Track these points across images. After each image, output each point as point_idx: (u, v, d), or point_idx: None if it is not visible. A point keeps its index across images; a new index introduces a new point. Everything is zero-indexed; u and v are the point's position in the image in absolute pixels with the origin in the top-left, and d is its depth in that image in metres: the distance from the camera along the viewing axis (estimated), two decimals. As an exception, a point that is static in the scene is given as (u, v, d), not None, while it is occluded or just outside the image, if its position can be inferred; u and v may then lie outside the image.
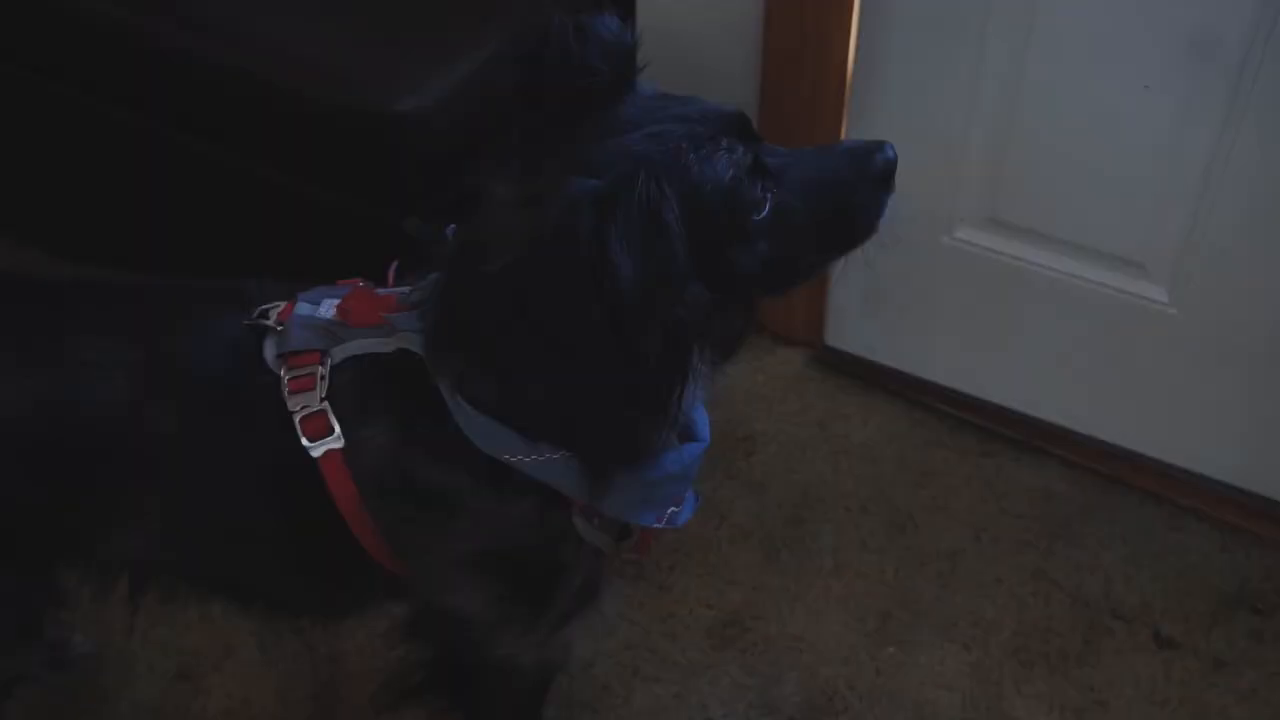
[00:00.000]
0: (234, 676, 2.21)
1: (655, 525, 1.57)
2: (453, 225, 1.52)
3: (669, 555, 2.37)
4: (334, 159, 2.23)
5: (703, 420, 1.60)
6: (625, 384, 1.32)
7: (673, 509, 1.57)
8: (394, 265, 1.62)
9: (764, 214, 1.41)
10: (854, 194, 1.48)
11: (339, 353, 1.54)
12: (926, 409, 2.62)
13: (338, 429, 1.52)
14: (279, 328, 1.56)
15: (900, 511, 2.46)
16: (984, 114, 2.22)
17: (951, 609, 2.31)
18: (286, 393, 1.52)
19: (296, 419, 1.52)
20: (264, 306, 1.58)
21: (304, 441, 1.51)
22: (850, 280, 2.53)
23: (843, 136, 2.38)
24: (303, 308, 1.58)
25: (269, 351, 1.55)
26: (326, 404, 1.52)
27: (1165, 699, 2.19)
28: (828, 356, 2.69)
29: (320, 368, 1.53)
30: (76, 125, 2.52)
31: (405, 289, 1.57)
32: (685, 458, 1.52)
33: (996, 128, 2.23)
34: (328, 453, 1.52)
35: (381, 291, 1.59)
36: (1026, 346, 2.46)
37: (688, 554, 2.38)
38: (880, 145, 1.49)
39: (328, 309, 1.57)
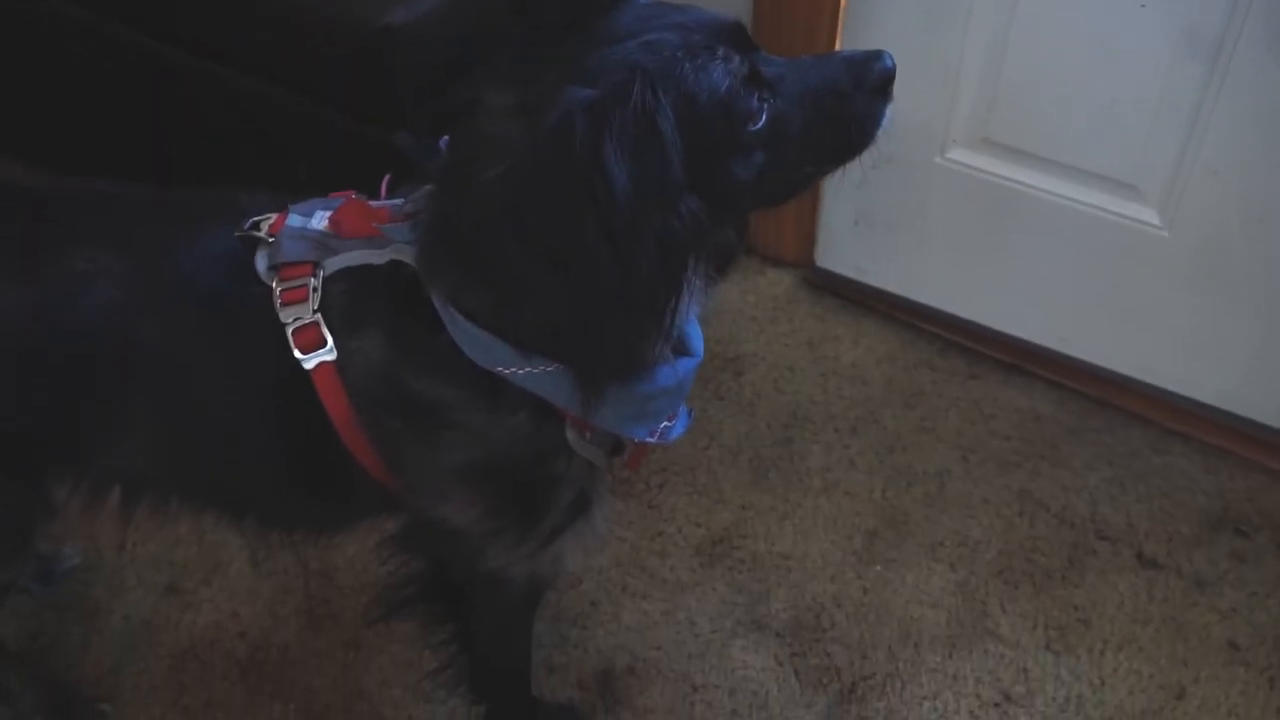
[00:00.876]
0: (224, 590, 2.22)
1: (648, 440, 1.57)
2: (445, 138, 1.50)
3: (658, 474, 2.38)
4: (326, 72, 2.20)
5: (696, 335, 1.59)
6: (618, 295, 1.31)
7: (665, 424, 1.57)
8: (387, 179, 1.61)
9: (760, 124, 1.39)
10: (851, 103, 1.46)
11: (331, 264, 1.53)
12: (916, 330, 2.63)
13: (330, 340, 1.51)
14: (270, 239, 1.55)
15: (888, 432, 2.47)
16: (979, 32, 2.21)
17: (938, 528, 2.33)
18: (279, 304, 1.51)
19: (289, 330, 1.51)
20: (255, 218, 1.57)
21: (296, 353, 1.51)
22: (841, 201, 2.54)
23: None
24: (294, 219, 1.56)
25: (260, 263, 1.54)
26: (319, 316, 1.51)
27: (1148, 618, 2.21)
28: (818, 278, 2.69)
29: (312, 279, 1.52)
30: (63, 38, 2.49)
31: (398, 201, 1.56)
32: (679, 372, 1.52)
33: (991, 46, 2.21)
34: (320, 365, 1.51)
35: (374, 204, 1.58)
36: (1017, 269, 2.46)
37: (677, 473, 2.39)
38: (878, 54, 1.47)
39: (320, 220, 1.56)
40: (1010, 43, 2.20)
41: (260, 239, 1.55)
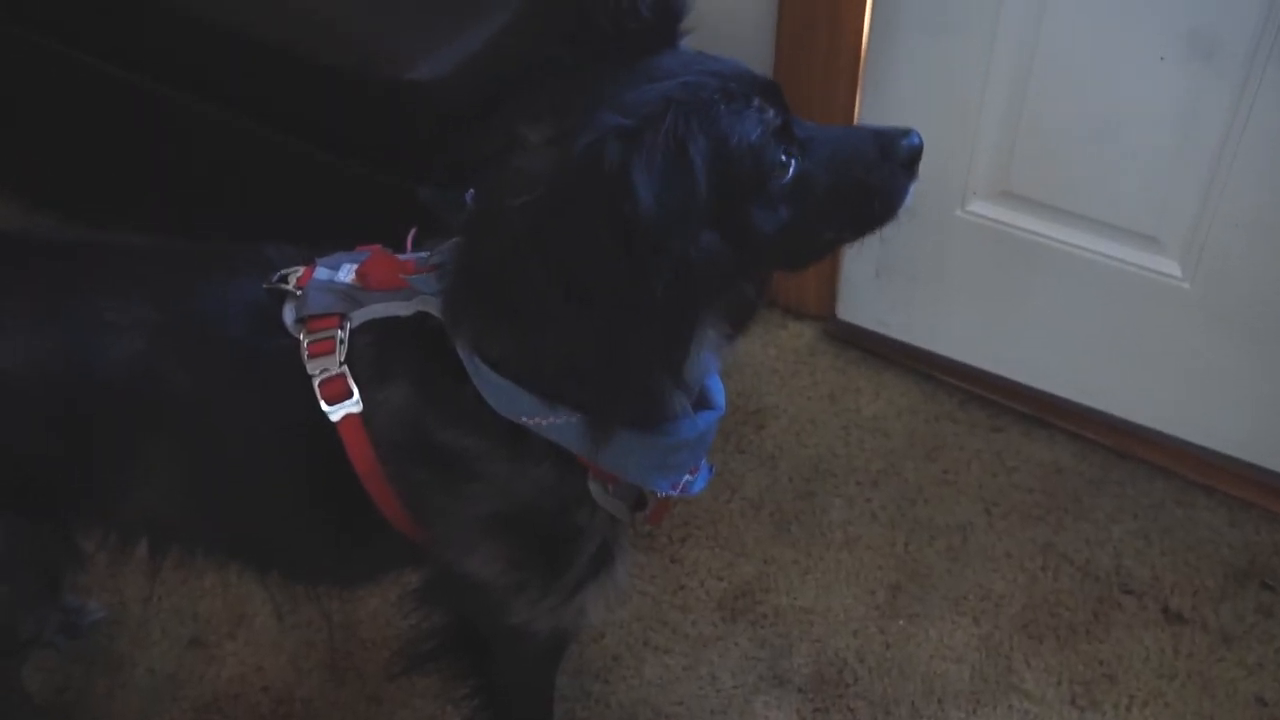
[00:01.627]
0: (248, 644, 2.22)
1: (670, 493, 1.58)
2: (470, 191, 1.52)
3: (680, 527, 2.38)
4: (350, 126, 2.23)
5: (718, 389, 1.61)
6: (633, 319, 1.32)
7: (687, 477, 1.58)
8: (413, 232, 1.63)
9: (787, 179, 1.41)
10: (877, 174, 1.49)
11: (358, 316, 1.55)
12: (937, 383, 2.63)
13: (356, 392, 1.52)
14: (298, 292, 1.56)
15: (910, 485, 2.46)
16: (998, 86, 2.22)
17: (961, 582, 2.32)
18: (306, 356, 1.53)
19: (315, 382, 1.52)
20: (283, 271, 1.59)
21: (323, 405, 1.52)
22: (862, 254, 2.52)
23: (856, 108, 2.38)
24: (321, 272, 1.58)
25: (288, 315, 1.56)
26: (345, 367, 1.53)
27: (1174, 673, 2.19)
28: (839, 330, 2.70)
29: (339, 331, 1.54)
30: (94, 91, 2.52)
31: (424, 253, 1.58)
32: (700, 425, 1.53)
33: (1010, 100, 2.23)
34: (346, 416, 1.53)
35: (400, 256, 1.60)
36: (1038, 320, 2.46)
37: (699, 526, 2.39)
38: (907, 131, 1.50)
39: (346, 273, 1.58)
40: (1029, 95, 2.21)
41: (288, 291, 1.57)
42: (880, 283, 2.57)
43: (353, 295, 1.56)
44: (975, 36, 2.18)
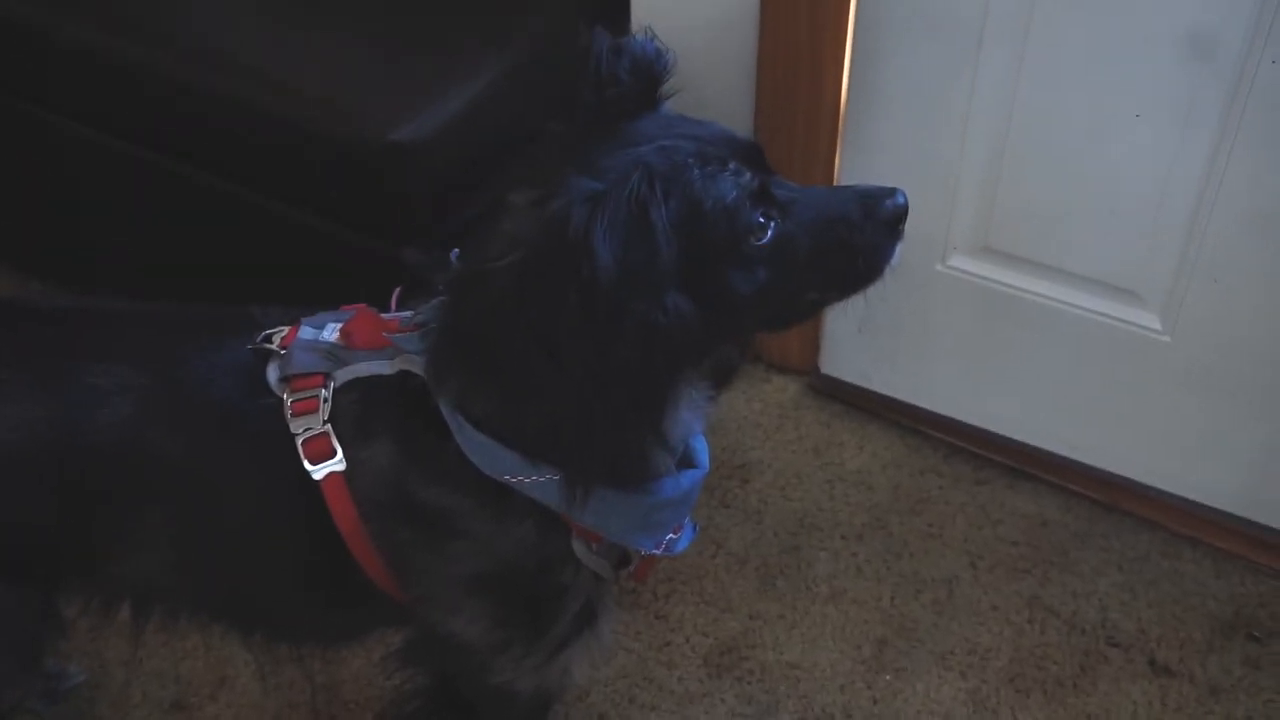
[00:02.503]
0: (230, 706, 2.20)
1: (654, 552, 1.58)
2: (456, 251, 1.53)
3: (665, 583, 2.37)
4: (332, 189, 2.24)
5: (702, 448, 1.61)
6: (604, 386, 1.33)
7: (671, 536, 1.58)
8: (397, 291, 1.64)
9: (765, 240, 1.41)
10: (860, 235, 1.49)
11: (342, 375, 1.55)
12: (921, 436, 2.63)
13: (340, 451, 1.53)
14: (282, 352, 1.57)
15: (895, 539, 2.46)
16: (977, 142, 2.24)
17: (948, 636, 2.31)
18: (289, 415, 1.54)
19: (299, 441, 1.53)
20: (268, 331, 1.60)
21: (306, 464, 1.52)
22: (845, 309, 2.55)
23: (837, 165, 2.40)
24: (306, 331, 1.59)
25: (272, 375, 1.56)
26: (329, 426, 1.53)
27: (1162, 726, 2.19)
28: (823, 384, 2.70)
29: (323, 390, 1.54)
30: (76, 156, 2.53)
31: (408, 312, 1.58)
32: (684, 484, 1.54)
33: (989, 156, 2.24)
34: (329, 475, 1.53)
35: (385, 315, 1.60)
36: (1021, 374, 2.47)
37: (684, 582, 2.38)
38: (892, 191, 1.50)
39: (331, 333, 1.59)
40: (1008, 151, 2.23)
41: (272, 351, 1.58)
42: (863, 337, 2.58)
43: (336, 354, 1.56)
44: (954, 93, 2.20)
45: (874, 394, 2.66)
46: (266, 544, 1.62)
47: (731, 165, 1.40)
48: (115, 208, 2.58)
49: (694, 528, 1.64)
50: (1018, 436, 2.55)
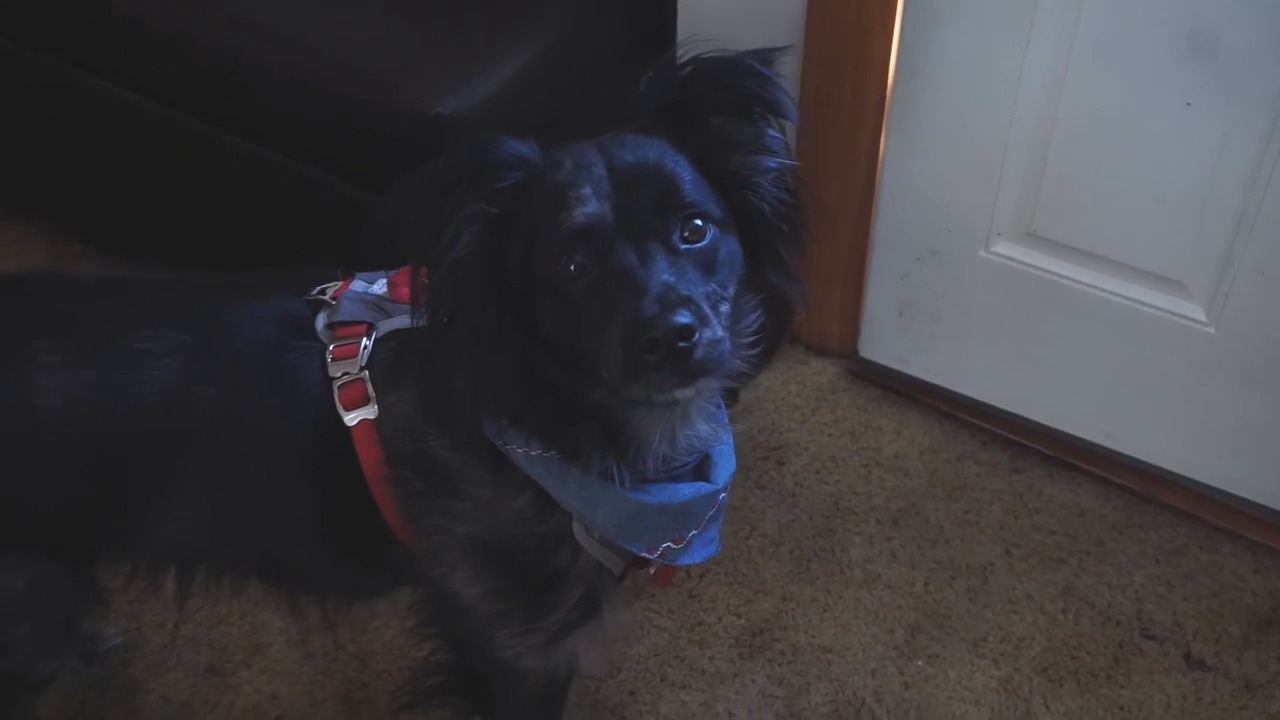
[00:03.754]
0: (263, 672, 2.22)
1: (646, 556, 1.57)
2: None
3: (698, 564, 2.36)
4: (377, 160, 2.24)
5: (724, 464, 1.60)
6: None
7: (669, 545, 1.57)
8: None
9: (575, 277, 1.41)
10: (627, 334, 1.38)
11: (384, 325, 1.60)
12: (959, 423, 2.61)
13: (373, 397, 1.57)
14: (333, 302, 1.62)
15: (931, 525, 2.45)
16: (1023, 126, 2.22)
17: (981, 624, 2.30)
18: (330, 360, 1.58)
19: (335, 386, 1.57)
20: (322, 285, 1.65)
21: (339, 409, 1.56)
22: (885, 292, 2.55)
23: (881, 148, 2.38)
24: (358, 284, 1.65)
25: (320, 323, 1.62)
26: (365, 373, 1.58)
27: (1195, 720, 2.18)
28: (861, 368, 2.69)
29: (365, 339, 1.58)
30: (121, 123, 2.54)
31: None
32: (683, 494, 1.54)
33: (1036, 142, 2.22)
34: (360, 421, 1.57)
35: None
36: (1061, 362, 2.45)
37: (717, 562, 2.38)
38: (653, 322, 1.34)
39: (381, 286, 1.64)
40: (1055, 137, 2.21)
41: (324, 302, 1.63)
42: (903, 321, 2.57)
43: (382, 306, 1.62)
44: (1003, 76, 2.18)
45: (912, 379, 2.64)
46: (296, 489, 1.65)
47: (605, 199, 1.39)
48: (156, 174, 2.60)
49: (713, 545, 1.62)
50: (1057, 425, 2.53)
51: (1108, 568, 2.38)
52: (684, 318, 1.31)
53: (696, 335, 1.32)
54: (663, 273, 1.36)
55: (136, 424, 1.58)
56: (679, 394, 1.38)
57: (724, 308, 1.42)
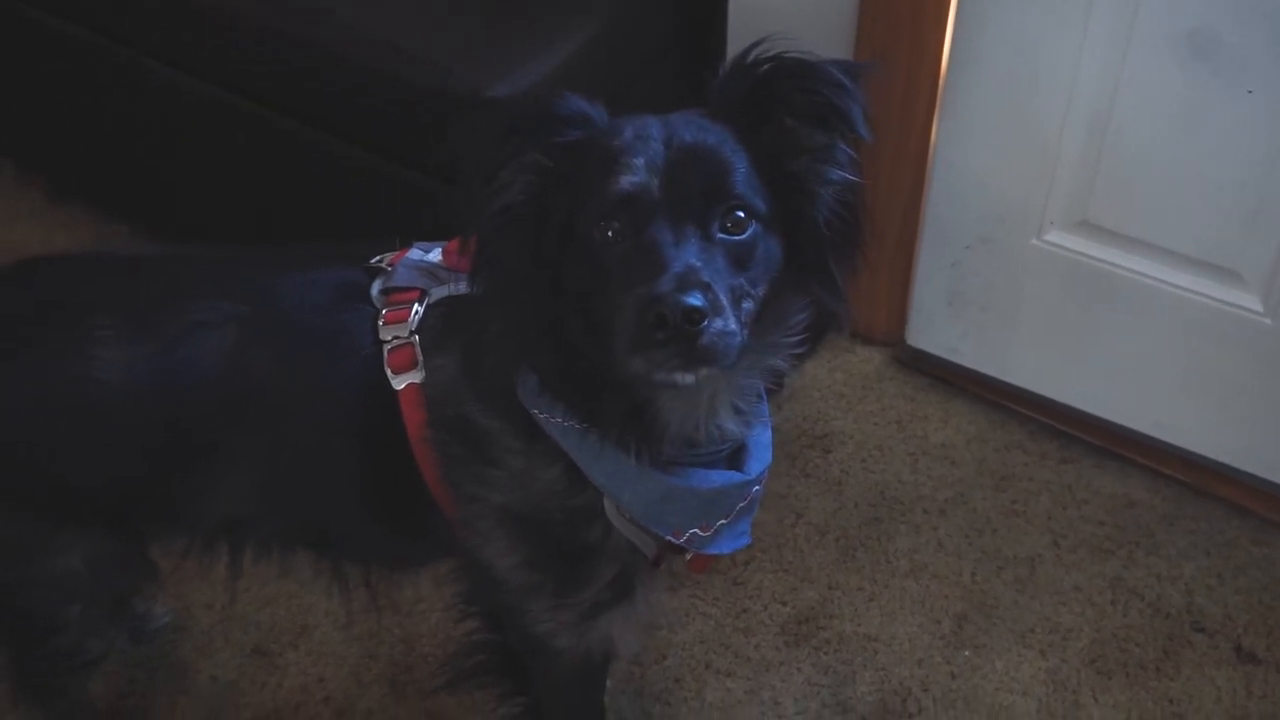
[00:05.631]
0: (310, 654, 2.22)
1: (671, 539, 1.57)
2: None
3: (744, 551, 2.34)
4: (429, 142, 2.23)
5: (759, 454, 1.59)
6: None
7: (696, 532, 1.56)
8: None
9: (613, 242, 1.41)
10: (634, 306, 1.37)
11: (437, 292, 1.62)
12: (1007, 412, 2.60)
13: (421, 361, 1.58)
14: (389, 269, 1.64)
15: (978, 514, 2.43)
16: (1079, 113, 2.19)
17: (1029, 615, 2.29)
18: (382, 324, 1.60)
19: (385, 349, 1.59)
20: (381, 254, 1.67)
21: (388, 371, 1.58)
22: (934, 281, 2.53)
23: (933, 133, 2.36)
24: (414, 252, 1.67)
25: (375, 288, 1.63)
26: (415, 337, 1.59)
27: (1245, 714, 2.15)
28: (908, 356, 2.67)
29: (417, 305, 1.60)
30: (167, 102, 2.55)
31: None
32: (713, 481, 1.53)
33: (1092, 129, 2.20)
34: (407, 385, 1.58)
35: None
36: (1112, 352, 2.43)
37: (763, 550, 2.37)
38: (663, 299, 1.34)
39: (436, 254, 1.66)
40: (1111, 124, 2.18)
41: (381, 269, 1.65)
42: (952, 310, 2.55)
43: (436, 273, 1.63)
44: (1060, 61, 2.16)
45: (960, 368, 2.62)
46: (344, 452, 1.66)
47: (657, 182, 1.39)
48: (202, 155, 2.61)
49: (743, 537, 1.62)
50: (1106, 415, 2.51)
51: (1157, 559, 2.36)
52: (696, 300, 1.31)
53: (706, 322, 1.31)
54: (691, 255, 1.35)
55: (193, 393, 1.60)
56: (678, 377, 1.37)
57: (747, 304, 1.41)
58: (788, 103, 1.43)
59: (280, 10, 2.30)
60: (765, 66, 1.43)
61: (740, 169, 1.42)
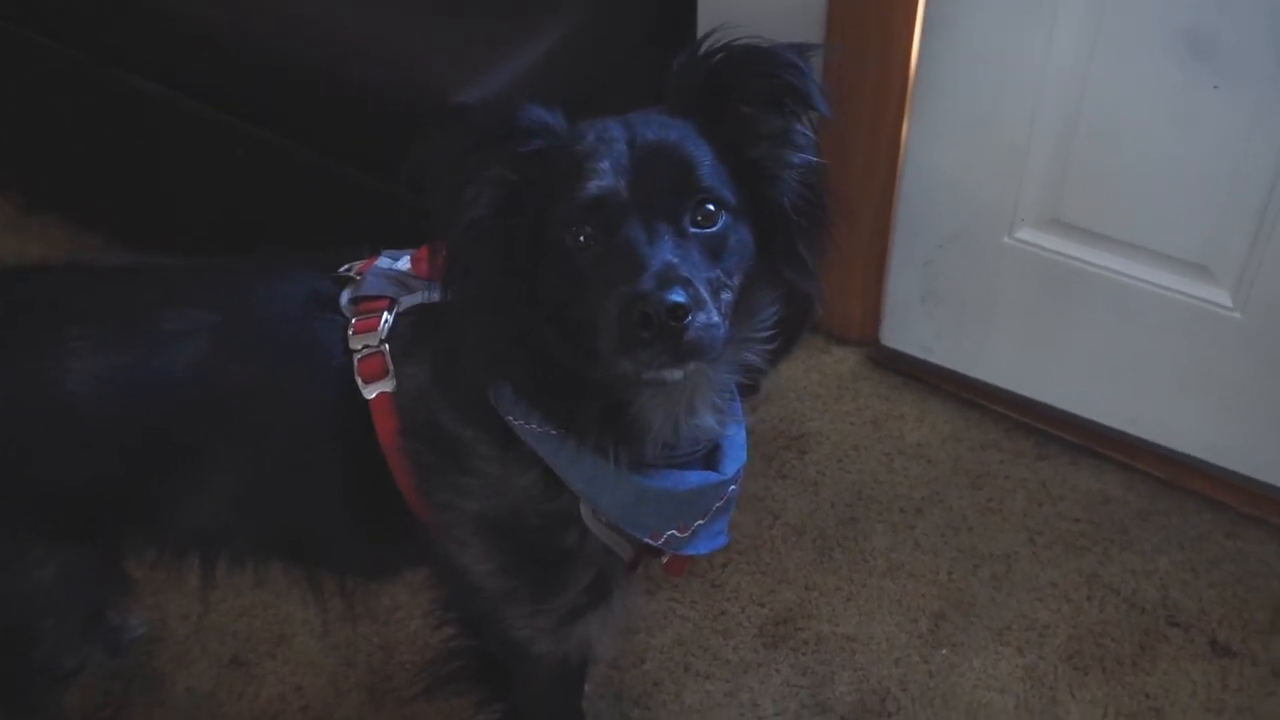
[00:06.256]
0: (287, 663, 2.22)
1: (648, 542, 1.58)
2: None
3: (722, 553, 2.36)
4: (396, 149, 2.23)
5: (734, 455, 1.60)
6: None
7: (673, 533, 1.57)
8: None
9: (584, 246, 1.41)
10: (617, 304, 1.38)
11: (406, 300, 1.62)
12: (982, 410, 2.60)
13: (392, 370, 1.58)
14: (358, 277, 1.64)
15: (954, 513, 2.44)
16: (1048, 112, 2.20)
17: (1005, 612, 2.29)
18: (351, 333, 1.60)
19: (356, 359, 1.59)
20: (349, 263, 1.67)
21: (359, 380, 1.58)
22: (908, 279, 2.54)
23: (903, 134, 2.37)
24: (383, 261, 1.67)
25: (344, 297, 1.63)
26: (385, 346, 1.59)
27: (1222, 707, 2.16)
28: (883, 356, 2.68)
29: (386, 313, 1.60)
30: (141, 113, 2.54)
31: None
32: (689, 481, 1.55)
33: (1061, 127, 2.21)
34: (379, 394, 1.58)
35: None
36: (1085, 349, 2.44)
37: (740, 552, 2.37)
38: (647, 297, 1.34)
39: (405, 262, 1.66)
40: (1080, 122, 2.19)
41: (350, 278, 1.65)
42: (925, 309, 2.56)
43: (405, 281, 1.63)
44: (1027, 62, 2.17)
45: (935, 367, 2.63)
46: (318, 461, 1.66)
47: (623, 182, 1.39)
48: (174, 162, 2.60)
49: (721, 537, 1.63)
50: (1080, 412, 2.52)
51: (1132, 555, 2.37)
52: (679, 296, 1.32)
53: (690, 316, 1.32)
54: (667, 252, 1.36)
55: (166, 402, 1.60)
56: (667, 374, 1.39)
57: (726, 295, 1.42)
58: (743, 90, 1.45)
59: (249, 18, 2.30)
60: (717, 57, 1.45)
61: (705, 162, 1.43)
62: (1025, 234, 2.37)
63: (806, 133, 1.47)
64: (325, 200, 2.41)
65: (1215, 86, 2.03)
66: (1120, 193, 2.23)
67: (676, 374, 1.39)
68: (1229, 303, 2.24)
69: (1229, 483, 2.43)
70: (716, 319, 1.36)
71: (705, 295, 1.36)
